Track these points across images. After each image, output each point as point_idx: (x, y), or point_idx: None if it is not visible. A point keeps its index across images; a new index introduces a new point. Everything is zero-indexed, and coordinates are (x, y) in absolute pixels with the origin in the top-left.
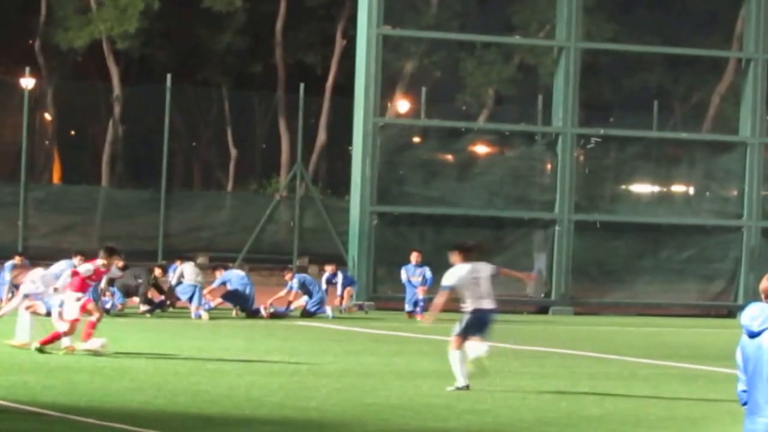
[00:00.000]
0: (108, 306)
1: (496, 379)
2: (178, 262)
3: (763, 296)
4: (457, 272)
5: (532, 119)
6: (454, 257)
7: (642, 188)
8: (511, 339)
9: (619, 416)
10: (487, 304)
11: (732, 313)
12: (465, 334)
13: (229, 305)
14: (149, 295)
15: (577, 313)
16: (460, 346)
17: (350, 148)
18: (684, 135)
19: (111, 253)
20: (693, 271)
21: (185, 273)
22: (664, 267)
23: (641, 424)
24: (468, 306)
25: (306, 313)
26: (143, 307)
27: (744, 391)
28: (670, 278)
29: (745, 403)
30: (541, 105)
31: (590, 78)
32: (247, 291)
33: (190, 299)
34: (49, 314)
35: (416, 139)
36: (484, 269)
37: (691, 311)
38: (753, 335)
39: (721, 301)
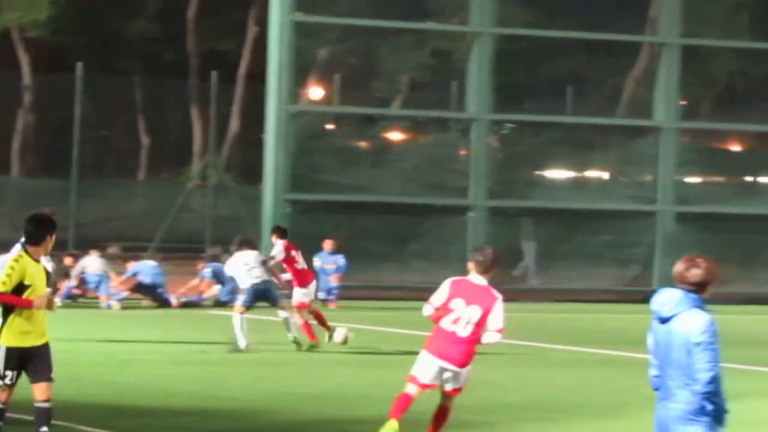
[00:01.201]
0: None
1: (410, 368)
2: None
3: (676, 281)
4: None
5: (446, 105)
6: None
7: (557, 174)
8: (425, 326)
9: (536, 403)
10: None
11: (647, 298)
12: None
13: (140, 295)
14: (59, 285)
15: None
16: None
17: (263, 135)
18: (598, 120)
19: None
20: (608, 256)
21: (89, 264)
22: (580, 252)
23: (558, 410)
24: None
25: (219, 303)
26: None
27: (656, 377)
28: (585, 263)
29: (657, 388)
30: (456, 91)
31: (505, 64)
32: (159, 281)
33: (97, 289)
34: None
35: (330, 127)
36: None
37: (607, 296)
38: (664, 321)
39: (637, 287)
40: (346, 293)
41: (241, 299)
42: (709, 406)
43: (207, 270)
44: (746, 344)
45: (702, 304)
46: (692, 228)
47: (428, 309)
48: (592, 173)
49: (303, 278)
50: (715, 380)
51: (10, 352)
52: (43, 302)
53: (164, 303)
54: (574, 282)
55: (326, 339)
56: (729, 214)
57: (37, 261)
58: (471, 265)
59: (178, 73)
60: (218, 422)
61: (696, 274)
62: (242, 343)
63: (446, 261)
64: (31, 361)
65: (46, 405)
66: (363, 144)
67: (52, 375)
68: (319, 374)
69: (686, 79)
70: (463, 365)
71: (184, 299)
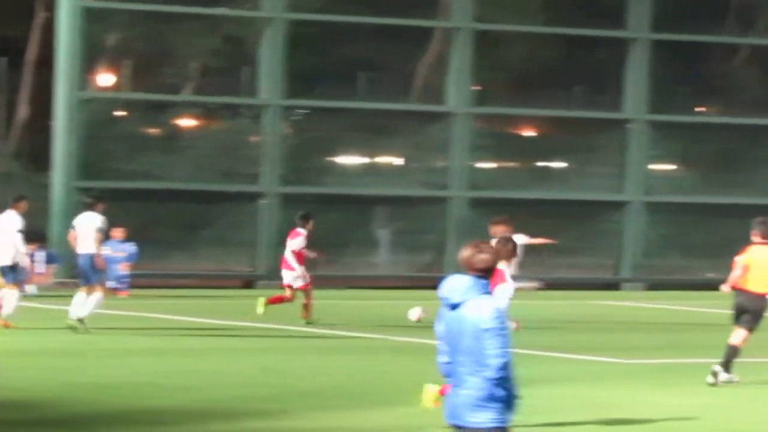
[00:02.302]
0: None
1: (205, 357)
2: None
3: (464, 268)
4: None
5: (238, 92)
6: None
7: (349, 160)
8: (216, 314)
9: (328, 390)
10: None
11: (439, 284)
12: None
13: None
14: None
15: (283, 287)
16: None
17: (52, 123)
18: (391, 105)
19: None
20: (402, 242)
21: None
22: (372, 239)
23: (351, 397)
24: None
25: None
26: None
27: (446, 363)
28: (377, 251)
29: (448, 375)
30: (247, 77)
31: (296, 49)
32: None
33: None
34: None
35: (120, 113)
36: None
37: (401, 283)
38: (453, 307)
39: (430, 273)
40: (137, 281)
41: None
42: (500, 392)
43: None
44: (537, 329)
45: (491, 290)
46: (485, 214)
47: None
48: (384, 159)
49: None
50: (505, 366)
51: None
52: None
53: None
54: (368, 268)
55: None
56: (522, 199)
57: None
58: None
59: None
60: (8, 414)
61: (483, 259)
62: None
63: (238, 248)
64: None
65: None
66: (154, 131)
67: None
68: (110, 363)
69: (479, 64)
70: None
71: None
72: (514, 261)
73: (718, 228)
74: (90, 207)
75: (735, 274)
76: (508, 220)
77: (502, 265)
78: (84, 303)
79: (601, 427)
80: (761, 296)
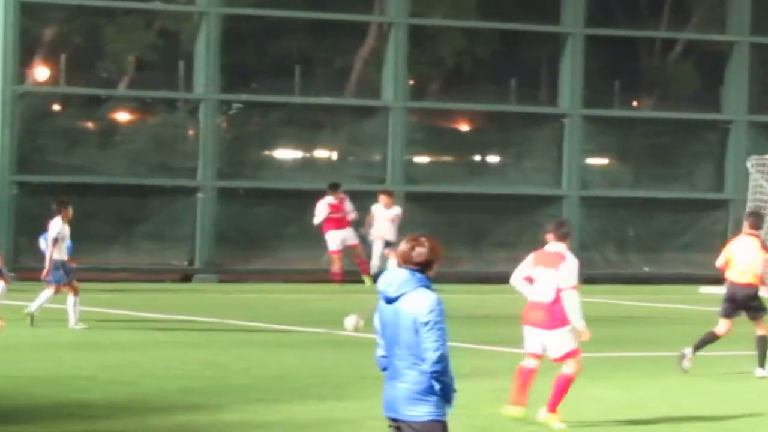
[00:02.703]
0: None
1: (143, 350)
2: None
3: (401, 261)
4: None
5: (174, 86)
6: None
7: (286, 154)
8: (154, 308)
9: (266, 384)
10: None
11: (376, 278)
12: None
13: None
14: None
15: (221, 281)
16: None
17: None
18: (327, 100)
19: None
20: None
21: None
22: (310, 233)
23: (288, 391)
24: None
25: None
26: None
27: (383, 357)
28: (315, 244)
29: (385, 369)
30: (183, 71)
31: (232, 44)
32: None
33: None
34: None
35: (57, 107)
36: None
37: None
38: (390, 301)
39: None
40: (74, 276)
41: None
42: (437, 386)
43: None
44: (475, 323)
45: (428, 284)
46: (421, 207)
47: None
48: (321, 153)
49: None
50: (442, 359)
51: None
52: None
53: None
54: (304, 263)
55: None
56: (458, 193)
57: None
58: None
59: None
60: None
61: (420, 253)
62: None
63: (175, 242)
64: None
65: None
66: (90, 125)
67: None
68: (48, 357)
69: (414, 58)
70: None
71: None
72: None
73: (653, 222)
74: (55, 213)
75: (719, 264)
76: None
77: (560, 247)
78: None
79: (536, 423)
80: (749, 286)
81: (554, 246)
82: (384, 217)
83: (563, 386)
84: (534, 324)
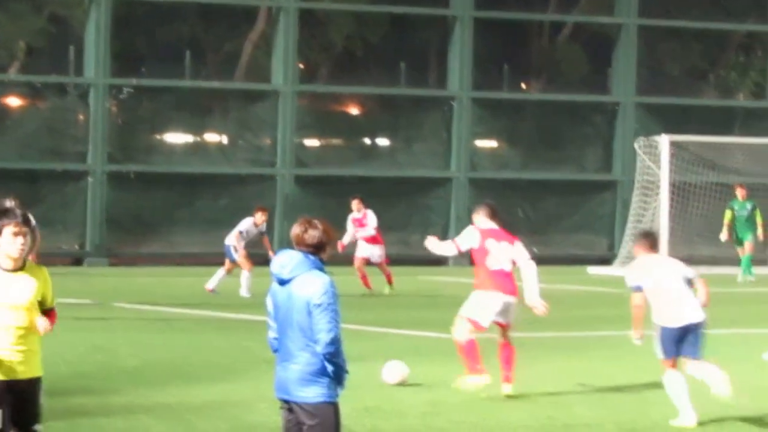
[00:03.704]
0: None
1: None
2: None
3: (294, 244)
4: None
5: (64, 71)
6: None
7: (176, 138)
8: None
9: (157, 367)
10: None
11: (268, 261)
12: None
13: None
14: None
15: (112, 265)
16: None
17: None
18: (217, 84)
19: None
20: (229, 220)
21: None
22: (201, 217)
23: (178, 374)
24: None
25: None
26: None
27: (275, 339)
28: (206, 228)
29: (276, 351)
30: (74, 56)
31: (122, 29)
32: None
33: None
34: None
35: None
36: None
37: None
38: (283, 283)
39: (256, 250)
40: None
41: None
42: (330, 367)
43: None
44: (365, 305)
45: (321, 266)
46: (312, 191)
47: None
48: (211, 137)
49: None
50: (335, 341)
51: None
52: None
53: None
54: (195, 246)
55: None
56: (348, 176)
57: None
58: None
59: None
60: None
61: (313, 235)
62: None
63: (65, 226)
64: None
65: None
66: None
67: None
68: None
69: (304, 42)
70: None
71: None
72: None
73: (542, 204)
74: None
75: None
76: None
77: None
78: None
79: (433, 404)
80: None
81: (490, 223)
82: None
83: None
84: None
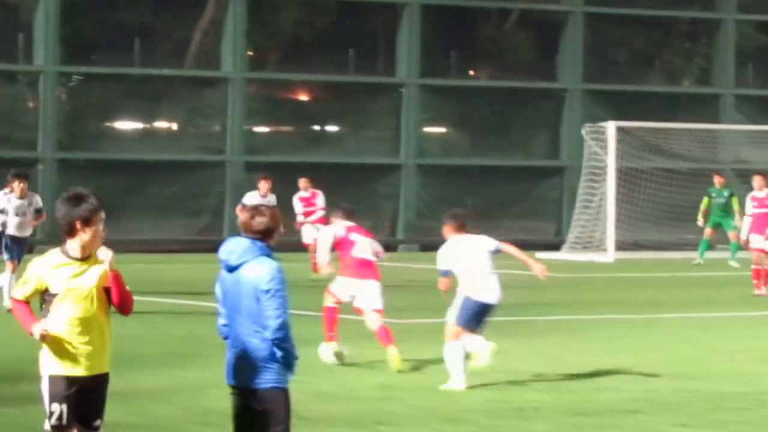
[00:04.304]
0: None
1: None
2: None
3: (242, 230)
4: None
5: (13, 58)
6: None
7: (126, 125)
8: None
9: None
10: None
11: (217, 247)
12: None
13: None
14: None
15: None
16: None
17: None
18: (166, 71)
19: None
20: (179, 206)
21: None
22: (151, 203)
23: (129, 361)
24: None
25: None
26: None
27: (224, 325)
28: (157, 214)
29: (226, 337)
30: (23, 44)
31: (72, 16)
32: None
33: None
34: None
35: None
36: None
37: (178, 247)
38: (231, 269)
39: (207, 236)
40: None
41: None
42: (279, 353)
43: None
44: (315, 291)
45: (269, 252)
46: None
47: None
48: (161, 124)
49: None
50: (284, 327)
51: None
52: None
53: None
54: (146, 232)
55: None
56: (297, 163)
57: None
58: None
59: None
60: None
61: (261, 222)
62: None
63: None
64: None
65: None
66: None
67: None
68: None
69: (253, 29)
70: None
71: None
72: None
73: (490, 190)
74: None
75: None
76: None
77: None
78: None
79: (384, 388)
80: None
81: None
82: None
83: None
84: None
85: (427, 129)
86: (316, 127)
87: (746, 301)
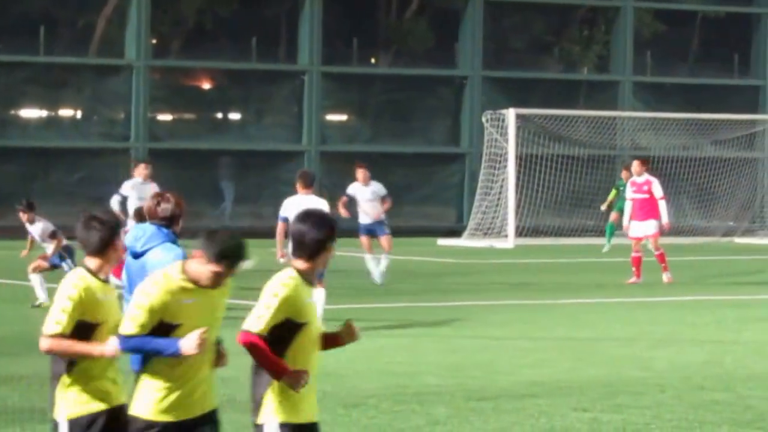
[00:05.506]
0: None
1: None
2: None
3: (148, 217)
4: None
5: None
6: None
7: (30, 113)
8: None
9: (11, 339)
10: None
11: None
12: None
13: None
14: None
15: None
16: None
17: None
18: (71, 59)
19: None
20: (83, 193)
21: None
22: (55, 190)
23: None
24: None
25: None
26: None
27: None
28: (61, 201)
29: None
30: None
31: None
32: None
33: None
34: None
35: None
36: None
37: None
38: (137, 255)
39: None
40: None
41: None
42: None
43: None
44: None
45: (174, 239)
46: (165, 164)
47: None
48: (65, 112)
49: None
50: None
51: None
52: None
53: None
54: (48, 219)
55: None
56: (200, 150)
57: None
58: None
59: None
60: None
61: (166, 208)
62: None
63: None
64: None
65: None
66: None
67: None
68: None
69: (156, 17)
70: None
71: None
72: None
73: (391, 176)
74: None
75: None
76: None
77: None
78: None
79: None
80: None
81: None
82: (363, 198)
83: None
84: None
85: (329, 116)
86: (219, 115)
87: (645, 287)
